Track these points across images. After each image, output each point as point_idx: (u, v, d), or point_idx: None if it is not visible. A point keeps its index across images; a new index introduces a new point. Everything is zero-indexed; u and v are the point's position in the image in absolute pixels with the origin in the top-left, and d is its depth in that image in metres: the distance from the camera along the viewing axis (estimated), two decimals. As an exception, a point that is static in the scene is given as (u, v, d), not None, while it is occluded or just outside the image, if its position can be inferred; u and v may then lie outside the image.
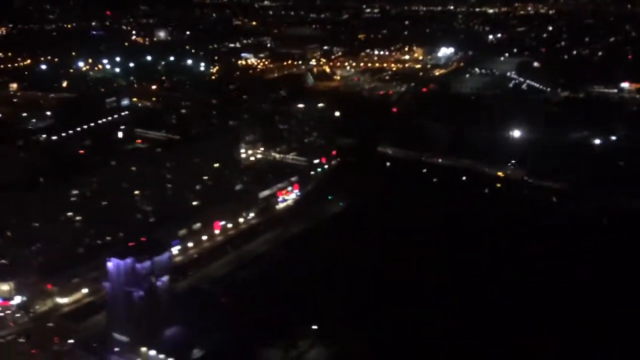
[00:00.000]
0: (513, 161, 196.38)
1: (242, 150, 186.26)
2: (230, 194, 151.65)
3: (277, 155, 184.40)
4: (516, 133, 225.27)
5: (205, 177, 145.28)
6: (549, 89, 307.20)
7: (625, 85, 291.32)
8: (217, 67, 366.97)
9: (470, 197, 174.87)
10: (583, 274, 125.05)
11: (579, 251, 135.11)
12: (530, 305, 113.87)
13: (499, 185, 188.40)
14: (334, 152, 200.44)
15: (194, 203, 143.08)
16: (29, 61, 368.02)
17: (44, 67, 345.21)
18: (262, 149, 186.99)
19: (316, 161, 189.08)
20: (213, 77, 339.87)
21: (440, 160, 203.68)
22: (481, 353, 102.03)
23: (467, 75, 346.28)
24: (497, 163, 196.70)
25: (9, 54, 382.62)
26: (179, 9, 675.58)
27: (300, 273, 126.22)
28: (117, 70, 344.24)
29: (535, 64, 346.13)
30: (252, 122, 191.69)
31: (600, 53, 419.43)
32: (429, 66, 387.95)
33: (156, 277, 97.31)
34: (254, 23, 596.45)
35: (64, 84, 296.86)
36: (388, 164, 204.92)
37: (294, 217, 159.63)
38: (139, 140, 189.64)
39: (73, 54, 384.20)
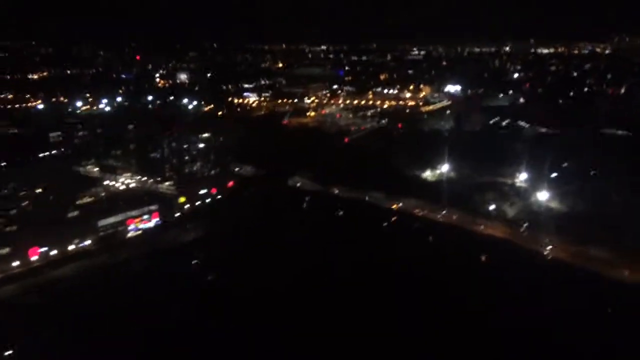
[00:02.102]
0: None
1: (122, 179, 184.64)
2: (61, 220, 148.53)
3: (152, 185, 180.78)
4: (444, 168, 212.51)
5: (26, 203, 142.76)
6: (527, 126, 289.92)
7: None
8: (210, 106, 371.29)
9: (356, 230, 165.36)
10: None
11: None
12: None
13: (394, 218, 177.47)
14: (230, 183, 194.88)
15: (7, 229, 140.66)
16: (39, 101, 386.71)
17: (40, 106, 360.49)
18: (140, 177, 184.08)
19: (203, 191, 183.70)
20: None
21: (339, 192, 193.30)
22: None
23: (448, 112, 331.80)
24: (402, 197, 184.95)
25: (27, 95, 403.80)
26: (222, 55, 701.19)
27: (85, 299, 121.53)
28: (108, 109, 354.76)
29: (521, 100, 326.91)
30: (134, 151, 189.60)
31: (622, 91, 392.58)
32: (420, 103, 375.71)
33: None
34: (280, 65, 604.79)
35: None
36: (291, 195, 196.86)
37: (138, 245, 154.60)
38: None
39: (87, 95, 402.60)
